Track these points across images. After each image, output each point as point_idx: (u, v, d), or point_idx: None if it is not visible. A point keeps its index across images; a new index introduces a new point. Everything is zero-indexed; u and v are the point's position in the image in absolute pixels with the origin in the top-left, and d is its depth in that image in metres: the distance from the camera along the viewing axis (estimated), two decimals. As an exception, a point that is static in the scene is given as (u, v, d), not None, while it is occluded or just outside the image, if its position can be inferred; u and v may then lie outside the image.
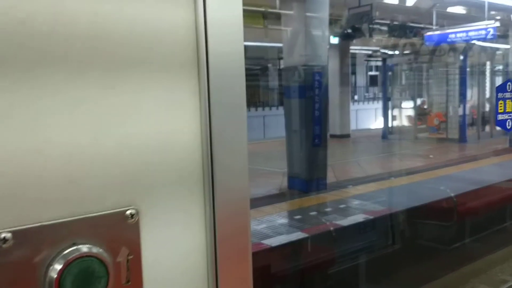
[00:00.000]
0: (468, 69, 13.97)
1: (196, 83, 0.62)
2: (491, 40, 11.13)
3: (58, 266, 0.52)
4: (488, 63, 14.97)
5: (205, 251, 0.64)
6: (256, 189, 7.70)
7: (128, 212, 0.57)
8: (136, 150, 0.58)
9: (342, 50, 15.32)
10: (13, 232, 0.50)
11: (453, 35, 10.62)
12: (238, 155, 0.65)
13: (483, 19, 10.55)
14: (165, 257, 0.61)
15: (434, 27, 10.92)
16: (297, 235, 5.24)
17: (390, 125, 15.48)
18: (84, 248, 0.53)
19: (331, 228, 5.48)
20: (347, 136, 15.83)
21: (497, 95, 1.37)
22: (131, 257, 0.57)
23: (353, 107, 24.47)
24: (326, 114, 7.92)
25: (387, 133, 15.31)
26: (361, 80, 30.93)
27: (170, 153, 0.60)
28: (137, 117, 0.58)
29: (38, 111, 0.51)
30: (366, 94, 30.73)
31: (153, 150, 0.59)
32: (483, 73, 15.18)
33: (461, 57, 13.33)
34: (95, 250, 0.54)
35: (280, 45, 8.65)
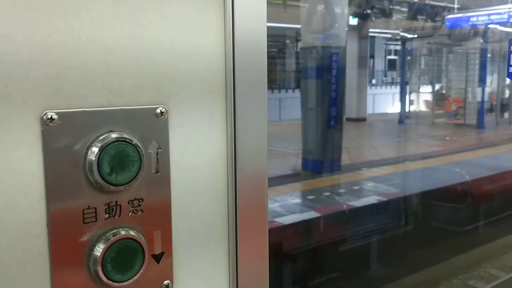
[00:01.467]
0: (489, 55, 13.71)
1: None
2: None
3: (96, 149, 0.58)
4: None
5: (225, 155, 0.70)
6: (271, 169, 7.73)
7: (158, 110, 0.63)
8: (168, 55, 0.63)
9: (361, 32, 15.12)
10: (59, 114, 0.56)
11: (474, 18, 10.39)
12: (257, 64, 0.70)
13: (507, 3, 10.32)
14: (190, 155, 0.67)
15: (455, 9, 10.71)
16: (310, 214, 5.28)
17: (407, 109, 15.32)
18: (120, 135, 0.59)
19: (344, 208, 5.51)
20: (363, 119, 15.73)
21: (510, 48, 1.38)
22: (161, 150, 0.63)
23: (370, 91, 24.20)
24: (343, 96, 7.88)
25: (403, 117, 15.16)
26: (379, 64, 30.49)
27: (197, 63, 0.66)
28: (169, 25, 0.63)
29: (85, 7, 0.57)
30: (384, 79, 30.34)
31: (182, 58, 0.65)
32: (504, 58, 14.88)
33: (482, 41, 13.07)
34: (130, 137, 0.60)
35: (297, 26, 8.58)
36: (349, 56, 15.21)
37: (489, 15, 10.31)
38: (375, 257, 5.49)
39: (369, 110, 21.58)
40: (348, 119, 15.59)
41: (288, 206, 5.59)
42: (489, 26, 10.91)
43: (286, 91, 27.07)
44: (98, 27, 0.58)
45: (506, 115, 14.66)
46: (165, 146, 0.64)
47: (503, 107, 14.51)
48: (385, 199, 5.89)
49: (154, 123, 0.63)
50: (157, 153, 0.63)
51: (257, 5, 0.69)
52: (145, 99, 0.62)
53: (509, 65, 1.32)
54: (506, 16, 10.09)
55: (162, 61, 0.63)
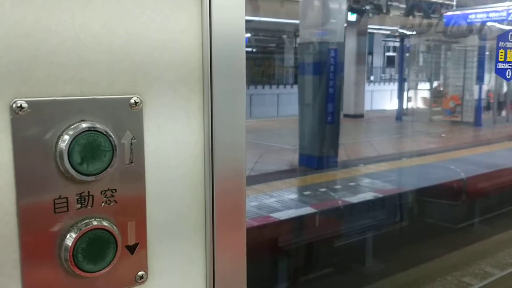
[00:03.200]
0: (487, 52, 13.70)
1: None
2: (512, 22, 10.88)
3: (67, 137, 0.57)
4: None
5: (202, 146, 0.70)
6: (267, 165, 7.76)
7: (132, 100, 0.62)
8: (143, 44, 0.62)
9: (360, 28, 15.12)
10: (29, 102, 0.55)
11: (473, 16, 10.38)
12: (235, 56, 0.70)
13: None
14: (166, 147, 0.66)
15: (454, 5, 10.70)
16: (306, 210, 5.29)
17: (405, 106, 15.35)
18: (92, 124, 0.58)
19: (340, 204, 5.52)
20: (361, 116, 15.75)
21: (498, 44, 1.38)
22: (135, 141, 0.63)
23: (368, 87, 24.23)
24: (340, 92, 7.88)
25: (401, 114, 15.19)
26: (377, 60, 30.51)
27: (174, 54, 0.65)
28: (144, 14, 0.62)
29: None
30: (382, 75, 30.37)
31: (158, 48, 0.64)
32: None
33: (481, 39, 13.07)
34: (102, 127, 0.59)
35: (296, 21, 8.56)
36: (347, 52, 15.21)
37: (487, 12, 10.29)
38: (370, 253, 5.51)
39: (367, 107, 21.61)
40: (346, 115, 15.61)
41: (284, 201, 5.60)
42: (487, 23, 10.91)
43: (285, 87, 27.08)
44: (68, 15, 0.57)
45: (503, 113, 14.68)
46: (139, 137, 0.63)
47: (501, 104, 14.54)
48: (381, 195, 5.90)
49: (128, 113, 0.62)
50: (131, 144, 0.62)
51: None
52: (118, 89, 0.61)
53: (497, 61, 1.32)
54: (505, 14, 10.07)
55: (136, 50, 0.62)
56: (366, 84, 19.69)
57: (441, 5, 11.31)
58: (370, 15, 9.70)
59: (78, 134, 0.57)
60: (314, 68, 7.37)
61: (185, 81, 0.67)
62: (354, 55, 15.33)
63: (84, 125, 0.58)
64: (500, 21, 10.65)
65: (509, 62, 1.38)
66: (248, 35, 15.21)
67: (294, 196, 5.93)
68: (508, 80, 1.43)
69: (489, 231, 7.25)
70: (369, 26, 15.89)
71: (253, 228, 4.70)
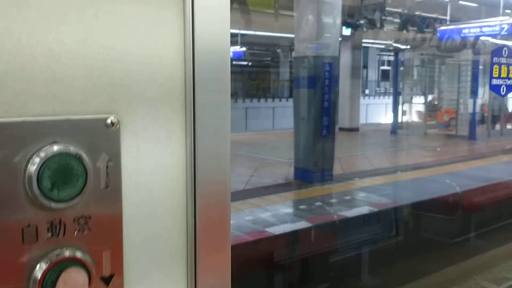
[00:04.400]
0: (480, 66, 13.83)
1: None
2: (505, 37, 10.99)
3: (37, 160, 0.53)
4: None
5: (184, 168, 0.66)
6: (263, 178, 7.74)
7: (109, 120, 0.59)
8: (121, 61, 0.59)
9: (354, 42, 15.24)
10: None
11: (466, 30, 10.50)
12: (219, 73, 0.67)
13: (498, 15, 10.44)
14: (145, 169, 0.62)
15: (448, 22, 10.82)
16: (301, 224, 5.27)
17: (399, 120, 15.42)
18: (64, 146, 0.55)
19: (335, 219, 5.50)
20: (356, 129, 15.80)
21: (492, 60, 1.37)
22: (111, 163, 0.59)
23: (363, 101, 24.36)
24: (335, 106, 7.91)
25: (396, 128, 15.25)
26: (372, 74, 30.74)
27: (154, 70, 0.62)
28: (123, 29, 0.59)
29: (26, 8, 0.53)
30: (377, 89, 30.58)
31: (137, 64, 0.61)
32: (496, 70, 15.03)
33: (474, 53, 13.20)
34: (75, 150, 0.55)
35: (292, 35, 8.61)
36: (342, 66, 15.31)
37: (481, 27, 10.42)
38: (366, 267, 5.48)
39: (362, 120, 21.69)
40: (341, 129, 15.66)
41: (279, 216, 5.58)
42: (481, 38, 11.03)
43: (280, 100, 27.19)
44: (41, 29, 0.54)
45: (497, 126, 14.77)
46: (116, 159, 0.59)
47: (495, 118, 14.64)
48: (376, 209, 5.88)
49: (104, 134, 0.58)
50: (107, 167, 0.59)
51: (220, 8, 0.65)
52: (94, 108, 0.58)
53: (491, 77, 1.32)
54: (498, 28, 10.19)
55: (114, 67, 0.59)
56: (361, 98, 19.79)
57: (435, 19, 11.44)
58: (364, 29, 9.79)
59: (49, 158, 0.54)
60: (309, 82, 7.41)
61: (167, 99, 0.64)
62: (349, 69, 15.43)
63: (55, 147, 0.54)
64: (494, 36, 10.77)
65: (503, 78, 1.38)
66: (244, 48, 15.28)
67: (289, 210, 5.92)
68: (502, 96, 1.43)
69: (484, 246, 7.23)
70: (363, 40, 16.02)
71: (248, 243, 4.67)
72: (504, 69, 1.36)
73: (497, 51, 1.37)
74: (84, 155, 0.56)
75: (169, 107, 0.64)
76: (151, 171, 0.63)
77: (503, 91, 1.40)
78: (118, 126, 0.59)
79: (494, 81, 1.34)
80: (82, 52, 0.57)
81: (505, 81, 1.37)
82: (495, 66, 1.34)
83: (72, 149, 0.55)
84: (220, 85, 0.67)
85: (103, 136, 0.58)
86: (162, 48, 0.62)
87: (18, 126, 0.53)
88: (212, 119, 0.66)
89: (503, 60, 1.37)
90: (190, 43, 0.63)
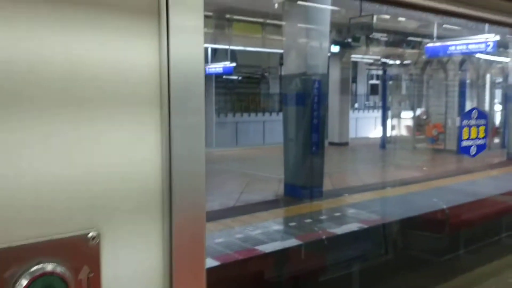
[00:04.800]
0: (467, 81, 14.02)
1: (158, 118, 0.67)
2: (491, 53, 11.18)
3: (24, 282, 0.56)
4: (488, 75, 15.04)
5: (162, 271, 0.69)
6: (253, 195, 7.74)
7: (90, 235, 0.62)
8: (100, 179, 0.63)
9: (343, 58, 15.38)
10: None
11: (453, 47, 10.66)
12: (196, 186, 0.70)
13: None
14: (124, 276, 0.65)
15: (434, 39, 10.98)
16: (291, 242, 5.26)
17: (389, 134, 15.52)
18: (48, 267, 0.58)
19: (325, 236, 5.51)
20: (345, 144, 15.88)
21: (461, 123, 1.42)
22: (92, 275, 0.62)
23: (353, 115, 24.48)
24: (324, 122, 7.97)
25: (385, 142, 15.35)
26: (361, 88, 30.96)
27: (132, 182, 0.65)
28: (102, 149, 0.63)
29: (14, 143, 0.57)
30: (367, 103, 30.78)
31: (116, 179, 0.64)
32: (483, 85, 15.23)
33: (461, 69, 13.39)
34: (58, 268, 0.58)
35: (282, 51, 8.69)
36: (331, 81, 15.44)
37: (467, 44, 10.58)
38: (356, 285, 5.48)
39: (352, 134, 21.79)
40: (331, 143, 15.74)
41: (269, 233, 5.57)
42: (468, 54, 11.20)
43: (270, 114, 27.22)
44: (27, 157, 0.58)
45: (485, 140, 14.89)
46: (96, 270, 0.62)
47: (482, 132, 14.75)
48: (366, 226, 5.90)
49: (86, 248, 0.61)
50: (87, 279, 0.62)
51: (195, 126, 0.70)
52: (76, 225, 0.61)
53: (461, 139, 1.37)
54: (483, 46, 10.36)
55: (95, 184, 0.62)
56: (351, 112, 19.91)
57: (423, 36, 11.61)
58: (352, 47, 9.93)
59: (34, 280, 0.56)
60: (298, 99, 7.46)
61: (145, 210, 0.67)
62: (338, 84, 15.55)
63: (40, 269, 0.57)
64: (481, 52, 10.95)
65: (473, 139, 1.44)
66: (234, 64, 15.37)
67: (279, 227, 5.91)
68: (472, 156, 1.49)
69: (475, 262, 7.27)
70: (352, 56, 16.18)
71: (238, 261, 4.67)
72: (473, 130, 1.42)
73: (467, 114, 1.43)
74: (67, 273, 0.59)
75: (147, 218, 0.67)
76: (131, 280, 0.66)
77: (473, 151, 1.45)
78: (98, 240, 0.62)
79: (464, 143, 1.40)
80: (66, 175, 0.60)
81: (475, 142, 1.43)
82: (465, 128, 1.40)
83: (55, 268, 0.58)
84: (196, 199, 0.71)
85: (85, 250, 0.61)
86: (140, 163, 0.66)
87: (4, 252, 0.56)
88: (187, 227, 0.70)
89: (472, 122, 1.43)
90: (167, 164, 0.67)
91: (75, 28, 0.60)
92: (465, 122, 1.40)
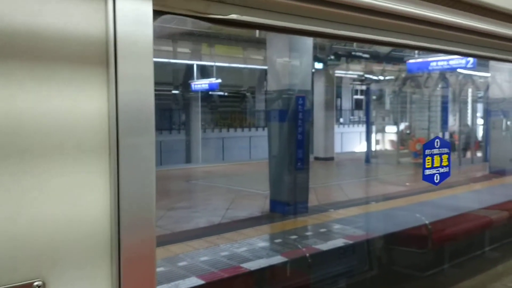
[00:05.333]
0: (449, 96, 14.25)
1: (107, 165, 0.68)
2: (471, 69, 11.44)
3: None
4: (469, 90, 15.31)
5: None
6: (239, 211, 7.73)
7: (35, 284, 0.62)
8: (46, 227, 0.63)
9: (327, 74, 15.55)
10: None
11: (434, 63, 10.88)
12: (145, 227, 0.71)
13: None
14: None
15: (416, 55, 11.20)
16: (277, 259, 5.26)
17: (373, 149, 15.66)
18: None
19: (310, 253, 5.52)
20: (331, 159, 15.97)
21: (424, 152, 1.46)
22: None
23: (338, 129, 24.68)
24: (309, 138, 8.01)
25: (370, 157, 15.48)
26: (346, 103, 31.29)
27: (79, 228, 0.66)
28: (47, 198, 0.64)
29: None
30: (352, 117, 31.09)
31: (62, 226, 0.65)
32: (464, 99, 15.49)
33: (443, 84, 13.62)
34: None
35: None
36: (316, 97, 15.58)
37: (447, 60, 10.80)
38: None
39: (337, 149, 21.93)
40: (317, 158, 15.81)
41: (255, 250, 5.56)
42: (449, 70, 11.43)
43: (256, 130, 27.29)
44: None
45: (468, 154, 15.09)
46: None
47: (465, 146, 14.95)
48: (351, 242, 5.93)
49: None
50: None
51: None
52: (21, 275, 0.61)
53: (424, 168, 1.40)
54: (464, 61, 10.60)
55: (40, 233, 0.63)
56: (336, 126, 20.07)
57: (404, 56, 11.82)
58: (335, 63, 10.06)
59: None
60: (282, 115, 7.51)
61: (91, 257, 0.67)
62: (323, 100, 15.68)
63: None
64: (461, 68, 11.19)
65: (436, 167, 1.48)
66: (219, 80, 15.44)
67: (265, 244, 5.91)
68: (436, 184, 1.53)
69: (460, 275, 7.32)
70: (336, 72, 16.36)
71: (223, 280, 4.64)
72: (436, 159, 1.46)
73: (429, 144, 1.47)
74: None
75: (95, 261, 0.67)
76: None
77: (436, 179, 1.49)
78: None
79: (427, 172, 1.44)
80: (9, 227, 0.61)
81: (438, 170, 1.47)
82: (428, 157, 1.44)
83: None
84: (144, 242, 0.72)
85: None
86: (88, 210, 0.67)
87: None
88: (136, 272, 0.70)
89: (435, 151, 1.47)
90: (116, 208, 0.68)
91: (19, 80, 0.61)
92: (428, 151, 1.44)
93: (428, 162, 1.40)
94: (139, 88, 0.71)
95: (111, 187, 0.68)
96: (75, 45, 0.65)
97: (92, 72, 0.67)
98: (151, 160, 0.72)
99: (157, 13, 0.74)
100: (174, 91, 22.34)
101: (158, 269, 4.76)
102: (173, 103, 22.81)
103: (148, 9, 0.71)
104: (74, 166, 0.65)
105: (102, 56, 0.68)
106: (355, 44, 9.88)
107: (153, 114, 0.72)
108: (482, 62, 11.96)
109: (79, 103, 0.66)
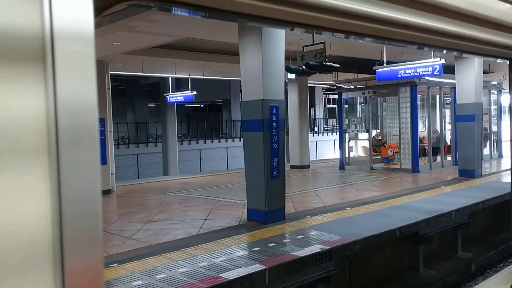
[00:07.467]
0: (419, 102, 14.62)
1: (47, 167, 0.65)
2: (438, 76, 11.79)
3: None
4: (437, 96, 15.73)
5: None
6: (217, 221, 7.77)
7: None
8: None
9: (301, 84, 15.81)
10: None
11: (402, 71, 11.17)
12: (91, 232, 0.68)
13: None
14: None
15: (385, 64, 11.47)
16: (255, 267, 5.31)
17: (347, 155, 15.94)
18: None
19: (288, 260, 5.59)
20: (307, 167, 16.17)
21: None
22: None
23: (313, 138, 24.98)
24: (284, 147, 8.12)
25: (344, 164, 15.75)
26: (320, 112, 31.73)
27: (17, 236, 0.63)
28: None
29: None
30: (326, 126, 31.51)
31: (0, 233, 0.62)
32: (433, 105, 15.91)
33: (411, 91, 13.99)
34: None
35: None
36: (291, 107, 15.79)
37: (415, 68, 11.12)
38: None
39: (313, 157, 22.17)
40: (293, 167, 15.99)
41: (233, 259, 5.60)
42: (417, 78, 11.76)
43: (233, 140, 27.35)
44: None
45: (438, 158, 15.46)
46: None
47: (435, 150, 15.32)
48: (327, 247, 6.03)
49: None
50: None
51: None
52: None
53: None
54: (430, 69, 10.93)
55: None
56: (311, 135, 20.31)
57: (373, 61, 12.10)
58: (308, 73, 10.25)
59: None
60: (256, 125, 7.61)
61: (33, 264, 0.64)
62: (297, 109, 15.91)
63: None
64: (428, 75, 11.53)
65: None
66: (195, 92, 15.47)
67: (243, 253, 5.95)
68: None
69: (434, 275, 7.52)
70: (309, 82, 16.61)
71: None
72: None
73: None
74: None
75: (36, 271, 0.64)
76: None
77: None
78: None
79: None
80: None
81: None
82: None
83: None
84: (90, 247, 0.69)
85: None
86: (28, 215, 0.64)
87: None
88: (82, 278, 0.67)
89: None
90: (57, 213, 0.65)
91: None
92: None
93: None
94: (80, 85, 0.67)
95: (51, 191, 0.65)
96: (8, 40, 0.61)
97: (27, 69, 0.63)
98: (95, 161, 0.68)
99: (98, 7, 0.69)
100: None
101: (136, 283, 4.74)
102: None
103: (88, 2, 0.67)
104: (10, 169, 0.62)
105: (38, 52, 0.64)
106: (326, 53, 10.09)
107: (96, 112, 0.68)
108: (449, 70, 12.36)
109: (13, 102, 0.62)
